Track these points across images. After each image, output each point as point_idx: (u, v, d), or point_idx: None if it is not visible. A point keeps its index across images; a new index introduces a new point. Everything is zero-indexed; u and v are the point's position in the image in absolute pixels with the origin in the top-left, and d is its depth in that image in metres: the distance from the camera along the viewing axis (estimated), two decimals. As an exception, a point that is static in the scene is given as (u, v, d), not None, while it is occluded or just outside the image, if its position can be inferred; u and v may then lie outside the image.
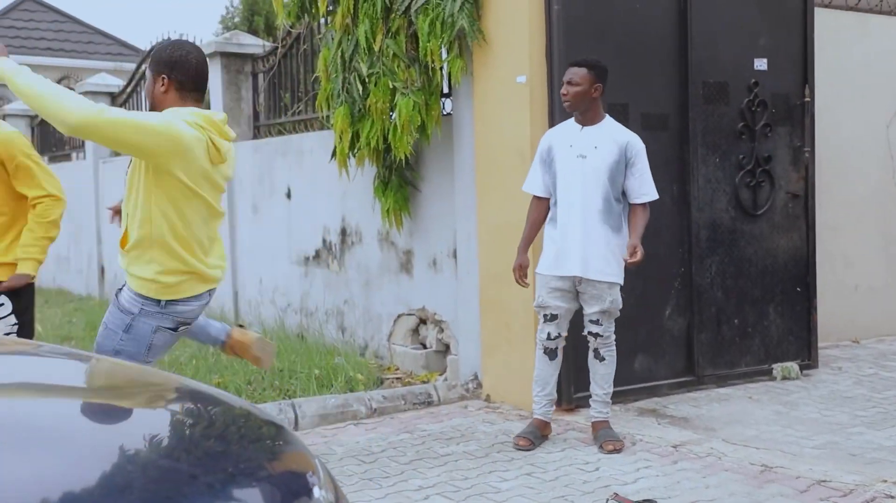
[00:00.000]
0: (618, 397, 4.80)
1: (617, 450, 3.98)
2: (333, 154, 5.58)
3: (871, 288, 6.49)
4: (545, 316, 4.15)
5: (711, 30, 5.06)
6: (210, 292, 3.14)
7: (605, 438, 4.06)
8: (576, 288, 4.11)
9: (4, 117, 11.73)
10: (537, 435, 4.17)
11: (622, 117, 4.82)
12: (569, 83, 4.09)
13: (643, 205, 4.11)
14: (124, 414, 1.70)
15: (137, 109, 9.14)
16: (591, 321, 4.12)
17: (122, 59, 15.49)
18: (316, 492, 1.52)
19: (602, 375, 4.17)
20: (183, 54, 3.01)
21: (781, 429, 4.30)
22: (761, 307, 5.33)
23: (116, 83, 9.60)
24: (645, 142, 5.10)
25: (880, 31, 6.47)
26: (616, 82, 4.82)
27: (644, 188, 4.10)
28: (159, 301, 3.00)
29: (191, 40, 8.00)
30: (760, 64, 5.26)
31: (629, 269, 4.15)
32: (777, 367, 5.32)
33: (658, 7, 4.94)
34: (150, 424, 1.63)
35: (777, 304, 5.39)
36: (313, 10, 5.63)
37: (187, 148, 2.87)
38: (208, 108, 7.51)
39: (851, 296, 6.35)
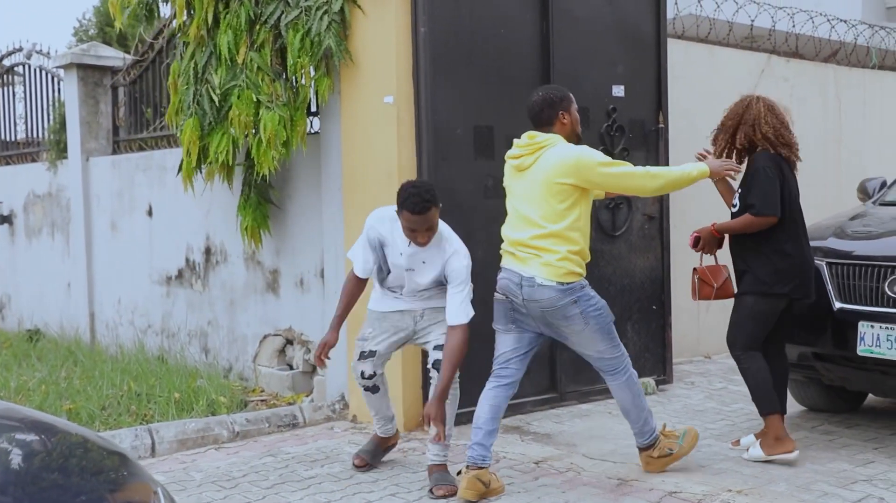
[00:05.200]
0: (483, 415, 4.86)
1: (449, 495, 3.69)
2: (180, 168, 5.43)
3: (723, 306, 6.80)
4: (362, 353, 4.01)
5: (572, 56, 5.22)
6: (507, 272, 3.77)
7: (437, 482, 3.77)
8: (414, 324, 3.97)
9: None
10: (376, 452, 4.13)
11: (488, 140, 4.91)
12: (429, 230, 3.75)
13: (455, 328, 3.72)
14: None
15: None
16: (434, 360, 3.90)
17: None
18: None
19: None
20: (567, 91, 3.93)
21: (638, 443, 4.45)
22: (620, 325, 5.45)
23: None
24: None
25: (727, 62, 6.85)
26: (482, 105, 4.91)
27: (453, 310, 3.75)
28: None
29: (45, 51, 7.68)
30: (618, 90, 5.47)
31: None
32: (635, 383, 5.51)
33: (522, 33, 5.07)
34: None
35: (634, 322, 5.60)
36: (156, 18, 5.57)
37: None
38: (62, 120, 7.21)
39: (703, 314, 6.66)
